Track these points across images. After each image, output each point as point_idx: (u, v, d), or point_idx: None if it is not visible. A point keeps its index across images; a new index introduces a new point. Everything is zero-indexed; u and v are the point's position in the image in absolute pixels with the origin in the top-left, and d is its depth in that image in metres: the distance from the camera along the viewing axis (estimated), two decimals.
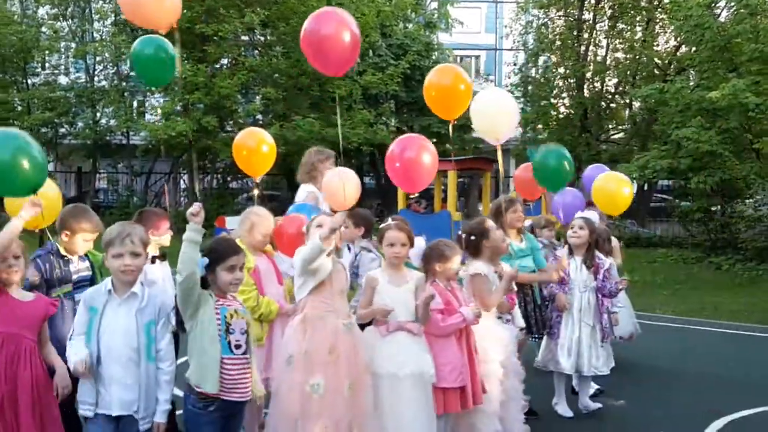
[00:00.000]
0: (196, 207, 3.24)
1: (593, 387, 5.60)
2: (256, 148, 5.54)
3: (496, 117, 5.20)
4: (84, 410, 3.19)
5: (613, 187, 5.95)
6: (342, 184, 4.15)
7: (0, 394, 3.10)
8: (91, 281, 3.89)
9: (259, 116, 21.17)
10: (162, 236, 4.45)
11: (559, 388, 5.32)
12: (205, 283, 3.27)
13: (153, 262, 4.48)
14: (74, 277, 3.91)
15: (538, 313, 5.32)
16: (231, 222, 5.94)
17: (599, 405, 5.33)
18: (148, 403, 3.19)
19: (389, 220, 4.12)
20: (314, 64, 4.28)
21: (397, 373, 3.79)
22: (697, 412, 5.36)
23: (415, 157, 4.57)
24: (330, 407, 3.57)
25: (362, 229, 4.90)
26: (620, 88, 22.40)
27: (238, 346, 3.27)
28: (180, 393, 5.21)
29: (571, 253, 5.23)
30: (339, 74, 4.55)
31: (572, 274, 5.19)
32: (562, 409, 5.27)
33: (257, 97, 20.81)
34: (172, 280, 4.53)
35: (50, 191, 4.19)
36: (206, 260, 3.24)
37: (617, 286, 5.29)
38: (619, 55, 22.38)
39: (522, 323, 4.92)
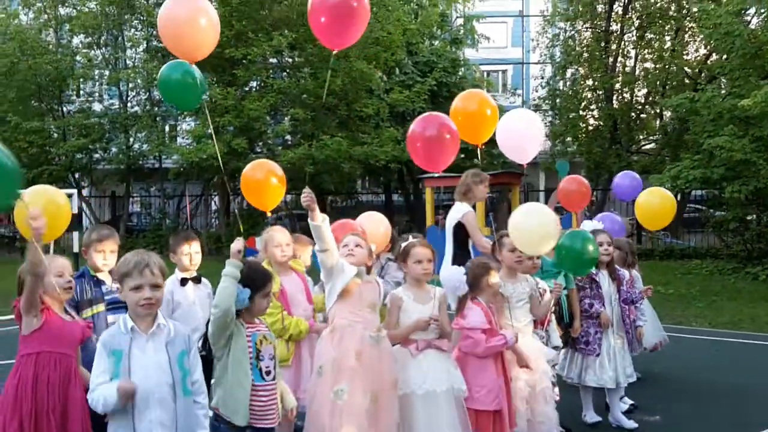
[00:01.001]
0: (240, 244, 3.24)
1: (627, 403, 5.52)
2: (264, 181, 5.36)
3: (522, 139, 5.20)
4: None
5: (657, 202, 5.90)
6: None
7: (54, 412, 3.14)
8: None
9: (288, 137, 21.37)
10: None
11: (586, 400, 5.33)
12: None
13: (184, 284, 4.55)
14: (107, 297, 3.99)
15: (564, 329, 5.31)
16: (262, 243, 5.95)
17: (635, 425, 5.21)
18: None
19: (410, 238, 4.13)
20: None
21: (435, 390, 3.80)
22: (734, 426, 5.26)
23: (436, 135, 4.58)
24: (351, 413, 3.58)
25: (389, 244, 4.97)
26: (650, 99, 22.15)
27: (268, 372, 3.26)
28: None
29: (597, 267, 5.20)
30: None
31: (604, 289, 5.18)
32: (590, 416, 5.27)
33: (286, 118, 21.02)
34: (205, 302, 4.60)
35: (59, 199, 4.33)
36: (248, 291, 3.21)
37: (641, 294, 5.36)
38: (648, 65, 22.15)
39: (558, 342, 4.88)
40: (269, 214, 6.00)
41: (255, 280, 3.28)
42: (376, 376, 3.69)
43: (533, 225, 4.20)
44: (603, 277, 5.25)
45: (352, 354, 3.67)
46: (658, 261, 17.07)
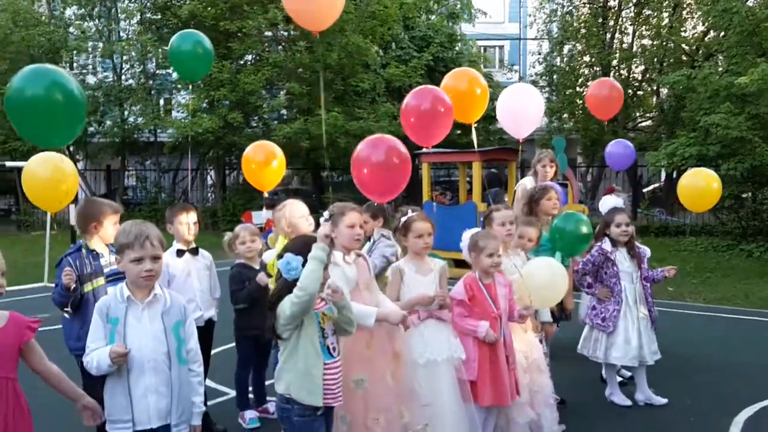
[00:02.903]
0: (328, 228, 3.15)
1: (624, 375, 5.59)
2: (264, 162, 5.45)
3: (519, 114, 5.21)
4: (119, 429, 2.94)
5: (702, 184, 5.85)
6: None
7: None
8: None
9: (284, 111, 21.28)
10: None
11: (611, 379, 5.36)
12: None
13: (180, 255, 4.57)
14: (106, 270, 4.01)
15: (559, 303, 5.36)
16: (257, 217, 6.01)
17: (665, 400, 5.25)
18: (183, 408, 3.03)
19: (409, 212, 4.14)
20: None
21: (436, 359, 3.87)
22: (727, 400, 5.33)
23: (429, 108, 4.56)
24: (377, 399, 3.59)
25: (381, 219, 4.97)
26: (647, 76, 22.11)
27: (334, 349, 3.19)
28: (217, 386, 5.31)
29: (614, 245, 5.22)
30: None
31: (621, 266, 5.21)
32: (619, 398, 5.28)
33: (281, 93, 20.93)
34: (202, 273, 4.64)
35: (66, 167, 4.38)
36: (301, 258, 3.02)
37: (663, 273, 5.34)
38: (646, 41, 22.06)
39: (547, 317, 4.92)
40: (266, 194, 6.03)
41: (309, 249, 3.05)
42: (388, 354, 3.72)
43: (545, 280, 4.28)
44: (621, 255, 5.23)
45: (363, 343, 3.64)
46: (653, 237, 17.16)
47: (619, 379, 5.48)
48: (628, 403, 5.25)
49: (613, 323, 5.15)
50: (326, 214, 3.79)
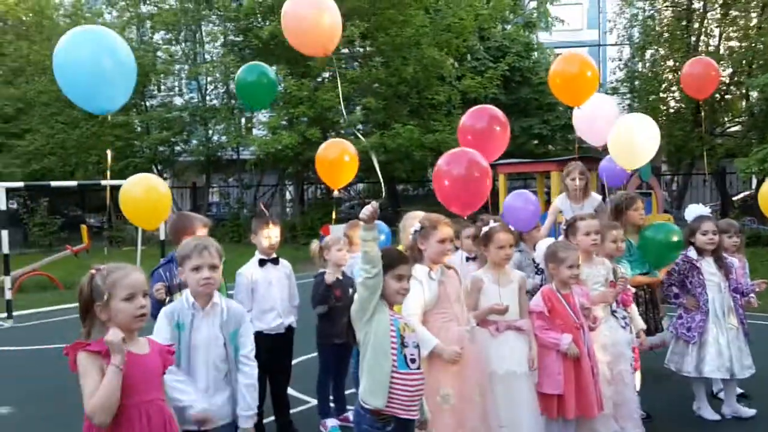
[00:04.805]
0: (369, 209, 2.98)
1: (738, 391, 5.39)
2: (338, 158, 5.58)
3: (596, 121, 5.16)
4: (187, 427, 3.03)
5: None
6: None
7: None
8: None
9: (360, 126, 21.58)
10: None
11: (699, 393, 5.17)
12: None
13: (262, 265, 4.74)
14: None
15: (652, 314, 5.22)
16: (335, 230, 6.11)
17: (753, 411, 5.07)
18: (237, 410, 3.20)
19: (491, 222, 4.14)
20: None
21: (516, 371, 3.86)
22: None
23: (486, 126, 4.60)
24: (462, 416, 3.56)
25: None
26: (735, 79, 21.19)
27: (413, 360, 3.11)
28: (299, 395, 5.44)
29: (700, 253, 5.07)
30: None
31: (707, 275, 5.03)
32: (708, 413, 5.10)
33: (358, 108, 21.26)
34: (283, 282, 4.79)
35: (161, 187, 4.65)
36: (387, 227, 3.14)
37: (753, 287, 5.15)
38: (733, 43, 21.17)
39: (642, 325, 4.80)
40: (337, 192, 6.18)
41: (386, 257, 3.07)
42: (478, 371, 3.70)
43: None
44: (708, 264, 5.05)
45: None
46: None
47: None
48: (717, 417, 5.05)
49: (699, 333, 4.97)
50: (417, 226, 3.80)
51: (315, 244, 5.20)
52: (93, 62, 3.72)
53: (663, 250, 4.74)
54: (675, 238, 4.69)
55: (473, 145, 4.69)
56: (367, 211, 2.96)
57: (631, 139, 5.04)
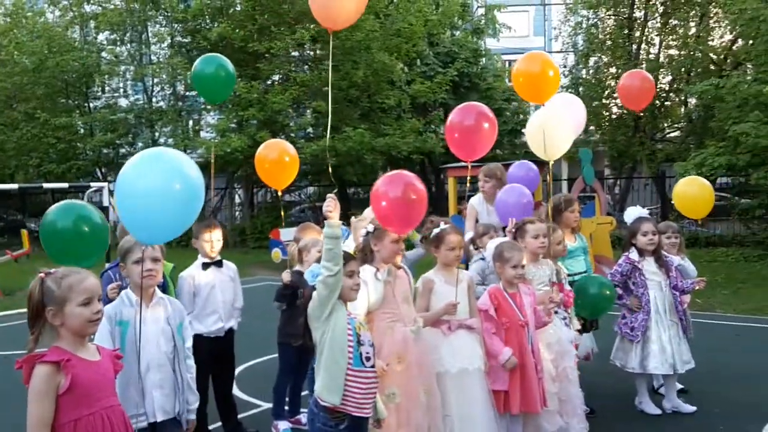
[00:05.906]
0: (331, 203, 3.07)
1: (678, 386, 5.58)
2: (278, 159, 5.52)
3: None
4: (135, 423, 3.05)
5: (696, 192, 5.87)
6: None
7: None
8: (163, 288, 4.02)
9: (310, 129, 21.53)
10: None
11: (641, 388, 5.35)
12: None
13: (205, 268, 4.71)
14: None
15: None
16: (285, 234, 6.11)
17: (694, 408, 5.26)
18: (183, 403, 3.30)
19: (441, 224, 4.20)
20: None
21: (467, 368, 3.91)
22: (758, 408, 5.29)
23: (474, 124, 4.63)
24: (408, 415, 3.61)
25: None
26: (674, 86, 21.92)
27: (368, 359, 3.15)
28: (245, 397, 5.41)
29: (641, 254, 5.25)
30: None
31: (648, 275, 5.23)
32: (650, 408, 5.27)
33: (308, 111, 21.19)
34: (226, 285, 4.76)
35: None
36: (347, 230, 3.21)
37: (692, 284, 5.35)
38: (673, 51, 21.89)
39: (578, 325, 4.94)
40: (281, 193, 6.11)
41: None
42: (423, 370, 3.75)
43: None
44: (649, 264, 5.24)
45: (395, 359, 3.66)
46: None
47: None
48: (658, 411, 5.24)
49: (642, 332, 5.15)
50: (370, 227, 3.85)
51: (293, 246, 5.15)
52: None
53: (595, 302, 4.91)
54: (608, 293, 4.91)
55: (460, 143, 4.69)
56: (329, 204, 3.04)
57: (546, 129, 5.02)
